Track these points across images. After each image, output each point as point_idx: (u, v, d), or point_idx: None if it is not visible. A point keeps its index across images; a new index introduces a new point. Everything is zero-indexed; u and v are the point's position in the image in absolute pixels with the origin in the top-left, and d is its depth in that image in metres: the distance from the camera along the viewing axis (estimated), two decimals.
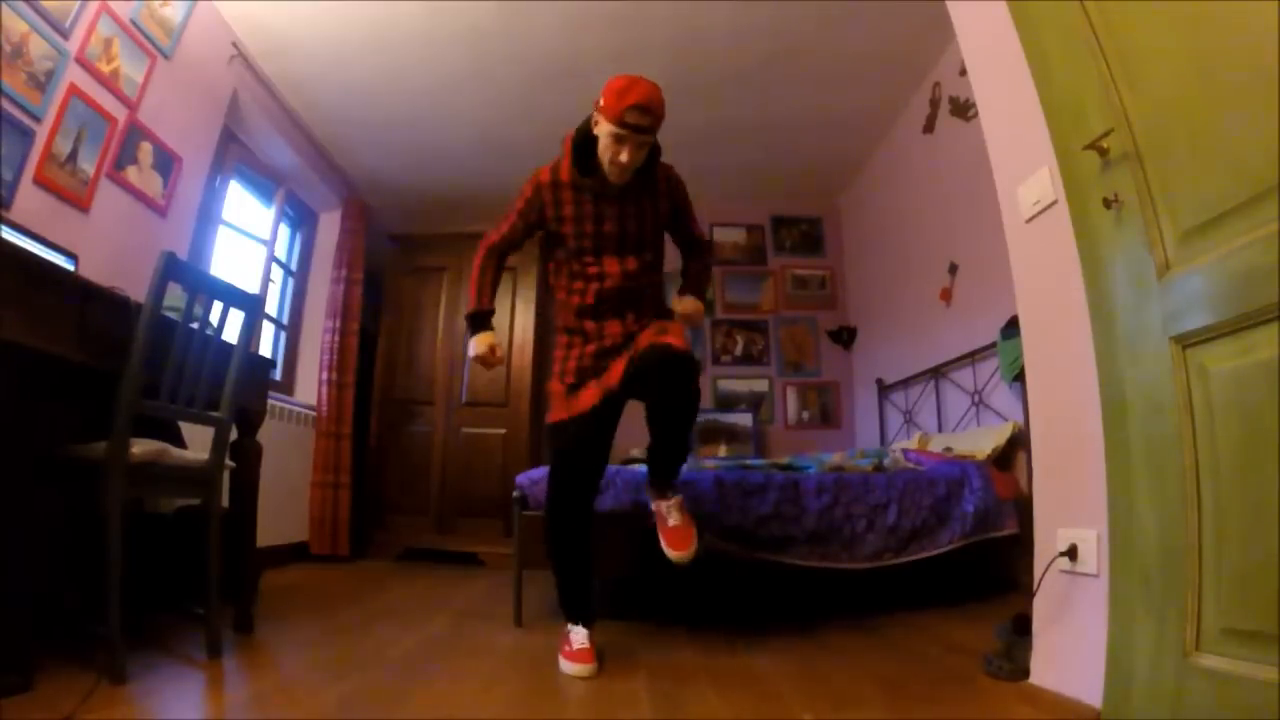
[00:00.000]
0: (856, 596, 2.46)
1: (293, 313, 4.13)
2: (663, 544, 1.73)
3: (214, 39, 2.89)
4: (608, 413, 1.79)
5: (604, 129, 1.62)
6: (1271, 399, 0.94)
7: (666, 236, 1.91)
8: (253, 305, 1.82)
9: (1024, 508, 2.23)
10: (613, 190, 1.72)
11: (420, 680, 1.55)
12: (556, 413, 1.85)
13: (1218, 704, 0.99)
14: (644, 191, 1.77)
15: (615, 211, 1.74)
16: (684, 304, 1.90)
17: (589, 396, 1.78)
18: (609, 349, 1.79)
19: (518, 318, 4.24)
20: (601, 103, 1.61)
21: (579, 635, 1.71)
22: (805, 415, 4.69)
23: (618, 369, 1.73)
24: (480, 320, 1.85)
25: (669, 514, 1.73)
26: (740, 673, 1.63)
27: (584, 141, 1.69)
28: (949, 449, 2.88)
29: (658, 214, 1.82)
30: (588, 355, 1.80)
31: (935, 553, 2.29)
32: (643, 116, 1.57)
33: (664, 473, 1.76)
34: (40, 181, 2.06)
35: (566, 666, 1.64)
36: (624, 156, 1.61)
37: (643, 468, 2.39)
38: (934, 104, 3.47)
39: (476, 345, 1.83)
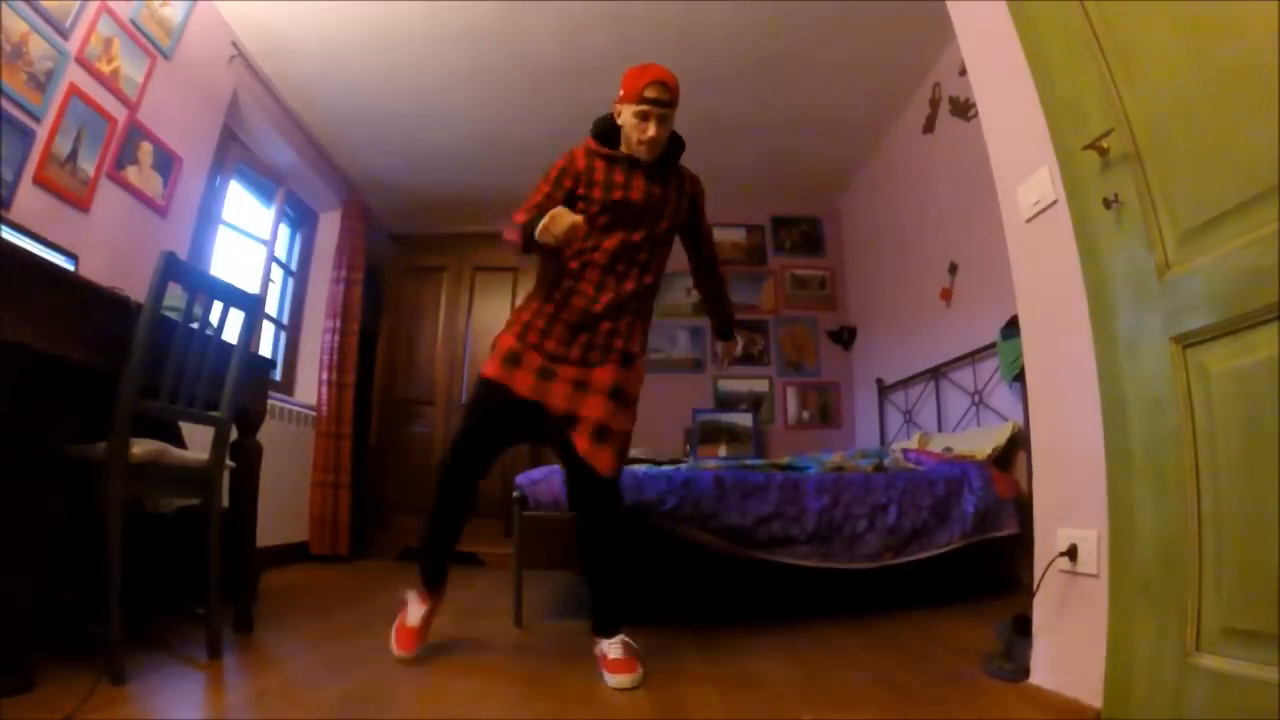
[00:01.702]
0: (856, 596, 2.46)
1: (293, 313, 4.13)
2: (603, 672, 1.57)
3: (214, 39, 2.89)
4: (530, 421, 1.73)
5: (627, 113, 1.72)
6: (1272, 399, 0.94)
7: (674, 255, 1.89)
8: (253, 305, 1.82)
9: (1024, 508, 2.23)
10: (640, 167, 1.78)
11: (420, 680, 1.55)
12: (492, 367, 1.73)
13: (1218, 704, 0.99)
14: (669, 179, 1.82)
15: (642, 184, 1.78)
16: (727, 349, 2.15)
17: (524, 383, 1.69)
18: (559, 336, 1.73)
19: (518, 302, 4.24)
20: (621, 92, 1.73)
21: (417, 613, 1.79)
22: (805, 415, 4.69)
23: (559, 394, 1.69)
24: (531, 223, 1.63)
25: (609, 649, 1.61)
26: (740, 672, 1.63)
27: (605, 130, 1.80)
28: (949, 449, 2.88)
29: (678, 208, 1.84)
30: (553, 331, 1.73)
31: (935, 553, 2.29)
32: (662, 91, 1.69)
33: (604, 607, 1.70)
34: (40, 181, 2.06)
35: (395, 652, 1.72)
36: (651, 130, 1.70)
37: (640, 467, 2.40)
38: (934, 104, 3.47)
39: (547, 215, 1.56)
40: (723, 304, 2.05)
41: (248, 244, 3.58)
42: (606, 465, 1.67)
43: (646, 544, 2.18)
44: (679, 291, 4.80)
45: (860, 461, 2.70)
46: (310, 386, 3.99)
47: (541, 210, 1.66)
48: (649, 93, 1.68)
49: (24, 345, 1.32)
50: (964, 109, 3.18)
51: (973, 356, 3.09)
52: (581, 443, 1.67)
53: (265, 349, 3.85)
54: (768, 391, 4.70)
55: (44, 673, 1.36)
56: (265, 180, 3.74)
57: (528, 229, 1.64)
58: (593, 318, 1.73)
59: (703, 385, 4.72)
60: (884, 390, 4.12)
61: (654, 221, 1.79)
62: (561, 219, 1.55)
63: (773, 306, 4.84)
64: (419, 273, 4.37)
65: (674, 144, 1.82)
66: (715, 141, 4.00)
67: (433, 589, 1.86)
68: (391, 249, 4.44)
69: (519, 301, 4.18)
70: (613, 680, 1.54)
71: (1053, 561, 1.37)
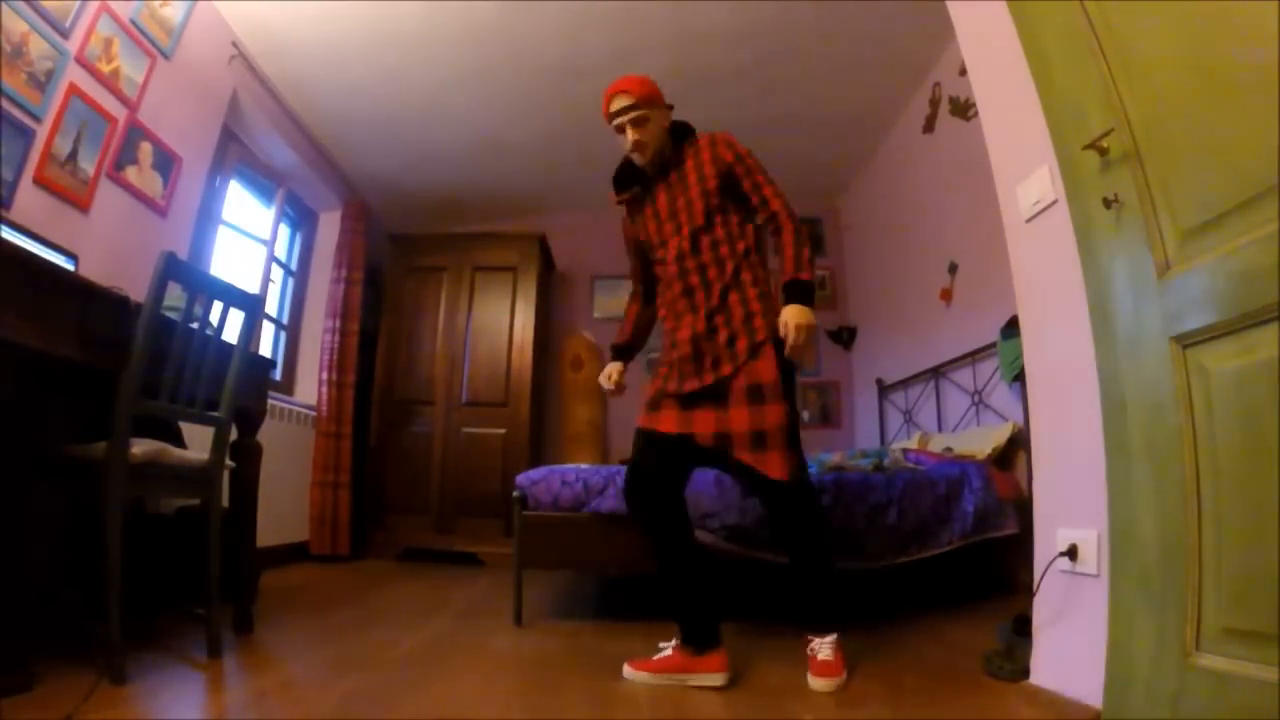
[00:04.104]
0: (857, 596, 2.46)
1: (293, 313, 4.13)
2: (809, 672, 1.57)
3: (214, 39, 2.89)
4: (685, 454, 1.69)
5: (616, 134, 1.78)
6: (1272, 399, 0.94)
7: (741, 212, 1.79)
8: (253, 305, 1.82)
9: (1024, 508, 2.23)
10: (653, 178, 1.83)
11: (420, 680, 1.55)
12: (642, 414, 1.77)
13: (1218, 704, 0.99)
14: (684, 164, 1.80)
15: (664, 194, 1.82)
16: (786, 325, 1.59)
17: (668, 422, 1.68)
18: (686, 373, 1.69)
19: (518, 317, 4.24)
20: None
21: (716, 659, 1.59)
22: (805, 415, 4.69)
23: (704, 420, 1.65)
24: (615, 351, 2.02)
25: (820, 649, 1.59)
26: (740, 672, 1.63)
27: (624, 162, 1.88)
28: (949, 449, 2.88)
29: (703, 179, 1.74)
30: (672, 368, 1.73)
31: (935, 553, 2.29)
32: (619, 99, 1.73)
33: (809, 604, 1.65)
34: (40, 181, 2.06)
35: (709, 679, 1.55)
36: (630, 137, 1.74)
37: None
38: (934, 104, 3.47)
39: (603, 372, 1.97)
40: (787, 261, 1.71)
41: (248, 244, 3.59)
42: (777, 469, 1.57)
43: (645, 543, 2.18)
44: None
45: (860, 461, 2.70)
46: (310, 386, 3.98)
47: (632, 273, 2.02)
48: (611, 106, 1.74)
49: (24, 345, 1.32)
50: (964, 109, 3.18)
51: (973, 356, 3.09)
52: (745, 455, 1.60)
53: (265, 349, 3.85)
54: None
55: (44, 673, 1.36)
56: (265, 180, 3.74)
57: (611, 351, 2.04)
58: (700, 337, 1.68)
59: None
60: (884, 390, 4.12)
61: (690, 214, 1.74)
62: (602, 385, 1.96)
63: None
64: (419, 273, 4.37)
65: (676, 132, 1.82)
66: None
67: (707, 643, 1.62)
68: (391, 249, 4.43)
69: (518, 302, 4.23)
70: (816, 684, 1.53)
71: (1053, 561, 1.38)
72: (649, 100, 1.73)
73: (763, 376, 1.62)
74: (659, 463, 1.70)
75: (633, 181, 1.86)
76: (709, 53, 3.22)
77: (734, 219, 1.76)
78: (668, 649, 1.65)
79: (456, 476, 4.01)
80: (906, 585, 2.50)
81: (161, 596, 1.96)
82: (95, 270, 2.07)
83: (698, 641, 1.60)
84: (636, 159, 1.79)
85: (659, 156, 1.78)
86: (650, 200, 1.83)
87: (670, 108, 1.80)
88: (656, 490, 1.70)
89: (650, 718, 1.35)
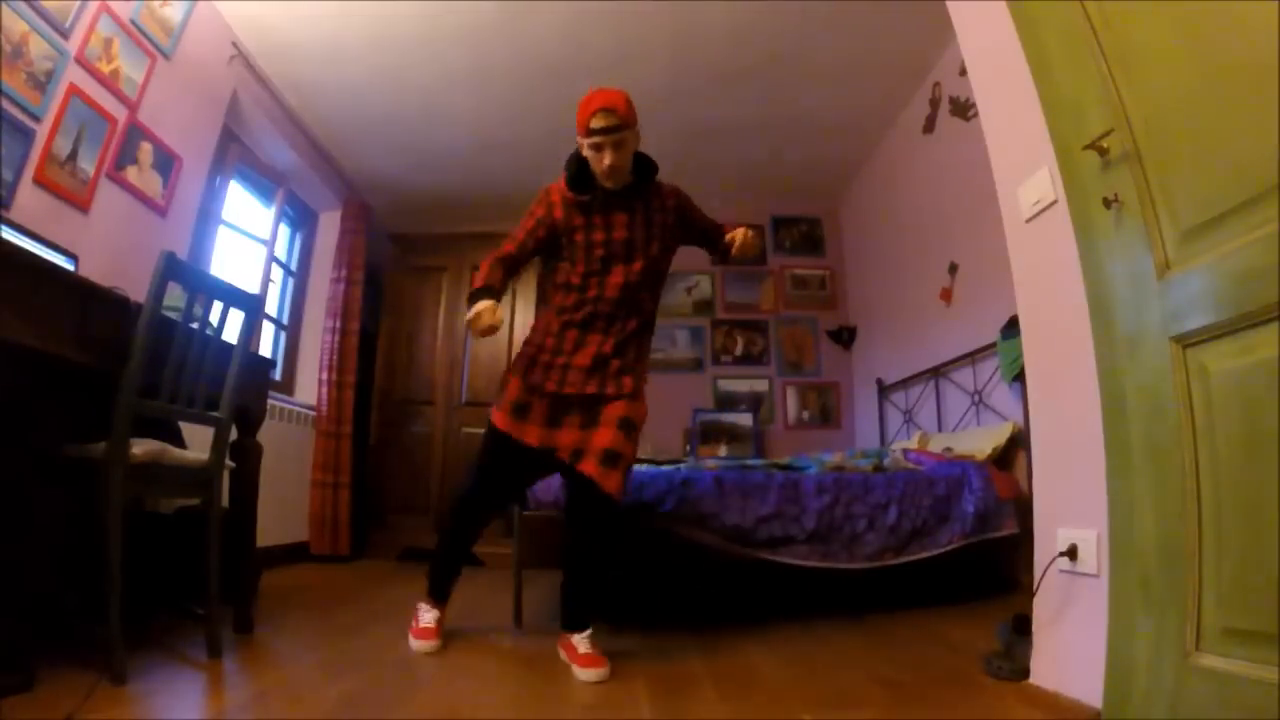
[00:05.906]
0: (856, 596, 2.46)
1: (293, 313, 4.13)
2: (573, 666, 1.63)
3: (214, 39, 2.89)
4: (541, 463, 1.82)
5: (584, 145, 1.72)
6: (1272, 399, 0.94)
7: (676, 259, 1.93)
8: (253, 305, 1.82)
9: (1024, 508, 2.23)
10: (617, 198, 1.78)
11: (420, 680, 1.55)
12: (502, 414, 1.80)
13: (1218, 704, 0.99)
14: (648, 200, 1.82)
15: (623, 217, 1.79)
16: (737, 228, 1.86)
17: (533, 434, 1.77)
18: (572, 380, 1.77)
19: (518, 317, 4.24)
20: (577, 126, 1.71)
21: (429, 615, 1.87)
22: (805, 415, 4.69)
23: (568, 437, 1.76)
24: (479, 294, 1.74)
25: (579, 644, 1.67)
26: (740, 673, 1.63)
27: (579, 166, 1.76)
28: (949, 449, 2.88)
29: (666, 225, 1.84)
30: (554, 370, 1.78)
31: (935, 553, 2.29)
32: (607, 118, 1.66)
33: (574, 610, 1.75)
34: (40, 181, 2.06)
35: (416, 644, 1.80)
36: (607, 159, 1.68)
37: (640, 468, 2.40)
38: (934, 104, 3.47)
39: (474, 309, 1.70)
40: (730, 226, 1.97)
41: (248, 244, 3.59)
42: (615, 486, 1.70)
43: (646, 544, 2.18)
44: (679, 291, 4.80)
45: (860, 461, 2.70)
46: (310, 386, 3.99)
47: (510, 255, 1.82)
48: (594, 123, 1.65)
49: (24, 345, 1.32)
50: (964, 109, 3.18)
51: (973, 356, 3.09)
52: (591, 467, 1.71)
53: (265, 349, 3.85)
54: (768, 391, 4.70)
55: (44, 673, 1.36)
56: (265, 180, 3.74)
57: (471, 296, 1.75)
58: (604, 359, 1.79)
59: (703, 385, 4.72)
60: (884, 390, 4.12)
61: (646, 249, 1.81)
62: (478, 322, 1.68)
63: (773, 306, 4.84)
64: (419, 273, 4.37)
65: (645, 165, 1.80)
66: (716, 142, 4.00)
67: (439, 601, 1.94)
68: (391, 249, 4.44)
69: (519, 303, 4.22)
70: (585, 674, 1.59)
71: (1053, 561, 1.38)
72: (632, 122, 1.69)
73: (638, 416, 1.80)
74: (516, 477, 1.88)
75: (589, 187, 1.76)
76: (709, 53, 3.22)
77: (664, 274, 1.90)
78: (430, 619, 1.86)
79: (456, 476, 4.01)
80: (906, 585, 2.50)
81: (161, 596, 1.96)
82: (95, 270, 2.07)
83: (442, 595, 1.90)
84: (607, 183, 1.73)
85: (624, 180, 1.75)
86: (603, 213, 1.78)
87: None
88: (505, 501, 1.97)
89: (650, 718, 1.35)
